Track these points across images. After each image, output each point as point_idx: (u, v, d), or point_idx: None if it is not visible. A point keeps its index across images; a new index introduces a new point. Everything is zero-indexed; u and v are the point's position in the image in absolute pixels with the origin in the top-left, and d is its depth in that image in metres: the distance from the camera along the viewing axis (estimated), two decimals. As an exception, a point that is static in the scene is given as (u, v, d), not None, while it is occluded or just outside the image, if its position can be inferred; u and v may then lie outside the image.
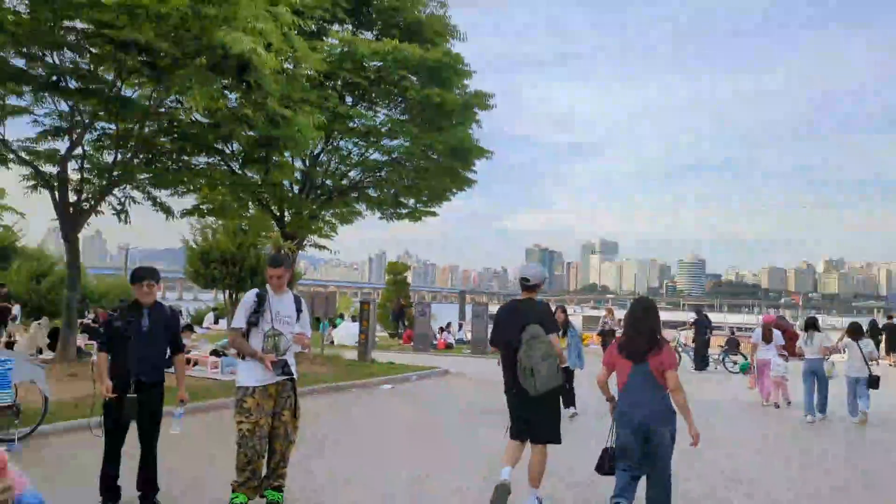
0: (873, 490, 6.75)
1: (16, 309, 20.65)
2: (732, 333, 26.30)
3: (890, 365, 22.25)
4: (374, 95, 16.02)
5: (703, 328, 20.39)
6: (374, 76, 15.04)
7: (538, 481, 5.48)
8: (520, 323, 5.43)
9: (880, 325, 24.43)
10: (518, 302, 5.76)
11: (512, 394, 5.56)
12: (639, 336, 4.94)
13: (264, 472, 5.40)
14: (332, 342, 24.53)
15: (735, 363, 19.58)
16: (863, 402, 10.88)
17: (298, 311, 5.57)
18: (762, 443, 9.01)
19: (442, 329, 27.76)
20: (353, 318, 28.07)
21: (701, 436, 4.84)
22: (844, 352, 11.23)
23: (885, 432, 10.37)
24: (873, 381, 10.80)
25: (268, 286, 5.54)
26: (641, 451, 4.77)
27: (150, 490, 5.29)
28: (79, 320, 15.88)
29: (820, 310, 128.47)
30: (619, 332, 23.90)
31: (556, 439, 5.54)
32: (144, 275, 5.39)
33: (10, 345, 14.91)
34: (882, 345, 22.87)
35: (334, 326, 27.52)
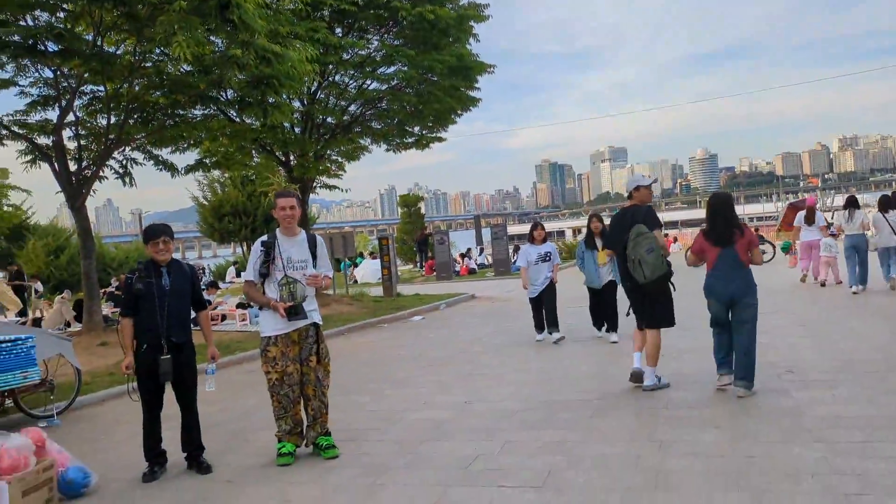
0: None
1: (38, 285, 20.72)
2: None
3: None
4: (364, 22, 15.31)
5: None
6: (361, 1, 14.32)
7: (655, 360, 6.27)
8: (626, 225, 6.20)
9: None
10: (624, 209, 6.56)
11: (627, 287, 6.34)
12: (723, 225, 5.86)
13: (305, 419, 5.26)
14: (356, 281, 24.52)
15: (764, 252, 19.35)
16: (894, 269, 11.05)
17: (314, 252, 5.25)
18: (810, 327, 8.78)
19: (462, 255, 27.66)
20: (373, 256, 28.01)
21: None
22: (872, 226, 11.17)
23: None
24: None
25: (277, 232, 5.24)
26: (727, 317, 5.88)
27: (196, 450, 5.18)
28: (102, 289, 15.83)
29: (840, 188, 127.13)
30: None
31: (670, 322, 6.31)
32: (158, 231, 5.13)
33: (37, 321, 14.98)
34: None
35: (355, 266, 27.49)
